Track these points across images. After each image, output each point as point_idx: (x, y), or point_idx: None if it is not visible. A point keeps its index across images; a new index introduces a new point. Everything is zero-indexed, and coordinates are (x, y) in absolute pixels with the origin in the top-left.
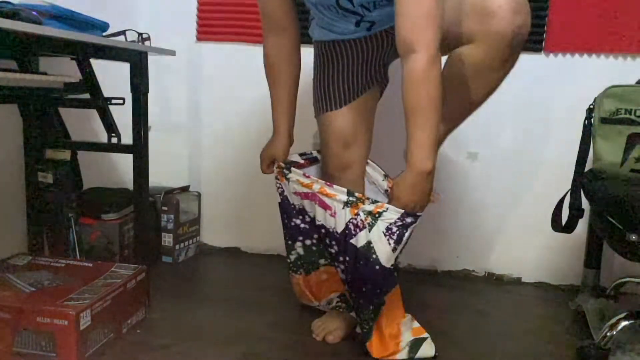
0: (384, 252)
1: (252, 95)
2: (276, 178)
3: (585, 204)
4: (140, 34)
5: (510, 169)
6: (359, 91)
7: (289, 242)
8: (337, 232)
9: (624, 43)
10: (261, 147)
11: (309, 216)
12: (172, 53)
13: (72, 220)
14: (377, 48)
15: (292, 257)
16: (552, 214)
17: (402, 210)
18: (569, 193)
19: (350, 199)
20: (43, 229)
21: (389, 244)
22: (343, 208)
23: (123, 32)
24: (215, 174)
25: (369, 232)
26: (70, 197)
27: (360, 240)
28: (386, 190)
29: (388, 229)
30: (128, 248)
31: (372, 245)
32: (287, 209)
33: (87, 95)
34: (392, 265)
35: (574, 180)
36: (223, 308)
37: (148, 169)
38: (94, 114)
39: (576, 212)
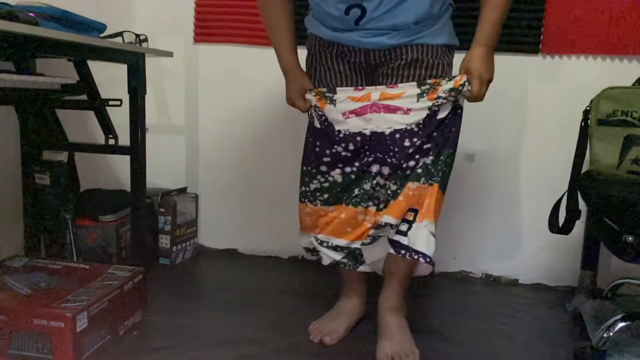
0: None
1: (250, 96)
2: (315, 108)
3: (582, 205)
4: (137, 36)
5: (507, 171)
6: None
7: (322, 169)
8: (418, 125)
9: (620, 45)
10: (260, 148)
11: (355, 143)
12: (169, 54)
13: (69, 222)
14: (370, 70)
15: (312, 187)
16: (549, 216)
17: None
18: (565, 195)
19: (424, 87)
20: (40, 230)
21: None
22: (418, 101)
23: (120, 34)
24: (212, 175)
25: (456, 102)
26: (67, 198)
27: (444, 112)
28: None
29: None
30: (125, 250)
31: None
32: (329, 135)
33: (84, 97)
34: None
35: (571, 181)
36: (220, 310)
37: (145, 170)
38: (91, 115)
39: (573, 213)
